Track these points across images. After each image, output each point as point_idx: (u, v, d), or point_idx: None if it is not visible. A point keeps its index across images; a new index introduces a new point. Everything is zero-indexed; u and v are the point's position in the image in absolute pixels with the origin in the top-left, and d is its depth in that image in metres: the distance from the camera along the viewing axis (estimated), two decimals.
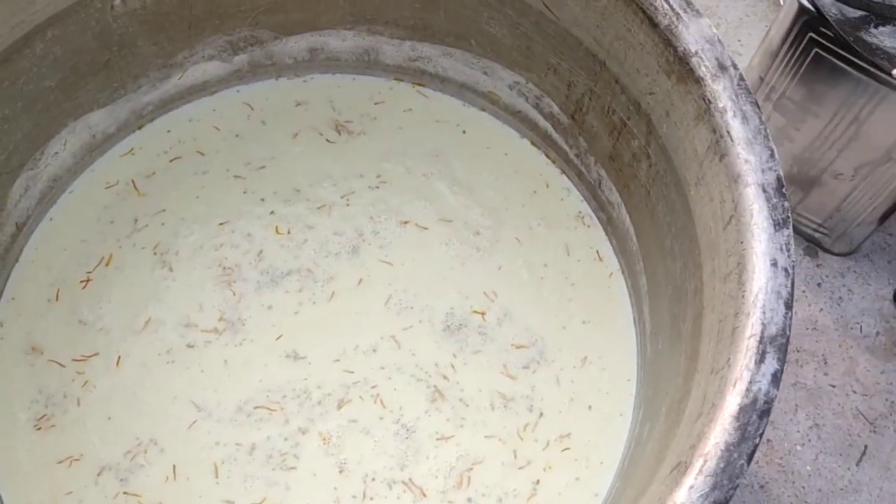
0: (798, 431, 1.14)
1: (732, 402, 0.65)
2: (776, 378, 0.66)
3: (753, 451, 0.62)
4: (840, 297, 1.24)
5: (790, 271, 0.70)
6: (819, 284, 1.25)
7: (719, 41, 0.81)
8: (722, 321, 0.74)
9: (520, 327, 1.04)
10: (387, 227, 1.10)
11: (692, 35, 0.82)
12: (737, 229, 0.75)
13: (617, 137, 1.01)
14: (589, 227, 1.13)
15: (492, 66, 1.12)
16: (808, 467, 1.11)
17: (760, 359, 0.66)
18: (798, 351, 1.19)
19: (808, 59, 1.05)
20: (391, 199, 1.11)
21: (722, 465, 0.62)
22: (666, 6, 0.83)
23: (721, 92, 0.79)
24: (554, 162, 1.16)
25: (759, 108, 0.78)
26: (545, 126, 1.13)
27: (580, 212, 1.14)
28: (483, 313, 1.05)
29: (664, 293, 0.94)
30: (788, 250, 0.71)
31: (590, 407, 1.00)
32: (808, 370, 1.18)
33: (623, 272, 1.09)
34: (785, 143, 1.16)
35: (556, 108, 1.09)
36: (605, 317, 1.06)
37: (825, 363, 1.19)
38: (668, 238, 0.93)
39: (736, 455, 0.62)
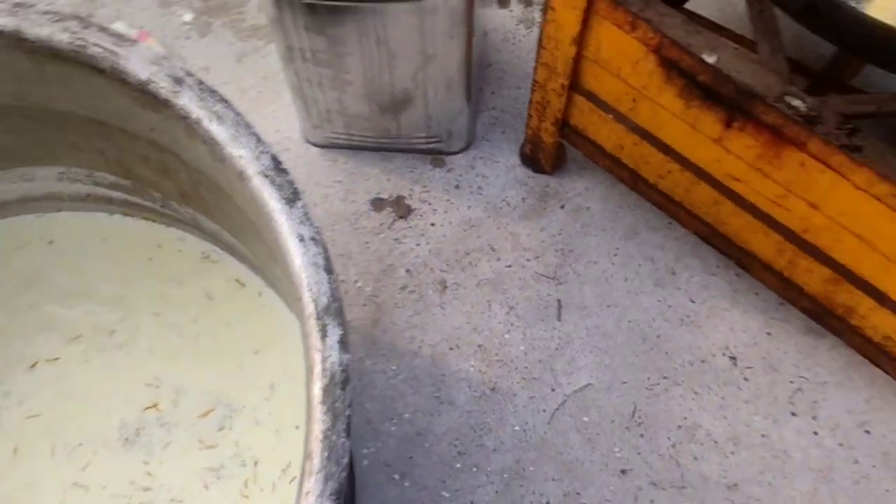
0: (500, 323, 1.19)
1: (316, 388, 0.65)
2: (343, 343, 0.66)
3: (349, 423, 0.63)
4: (479, 187, 1.30)
5: (318, 238, 0.71)
6: (457, 187, 1.30)
7: (165, 58, 0.79)
8: (300, 305, 0.74)
9: (198, 395, 1.00)
10: (16, 380, 1.00)
11: (137, 64, 0.78)
12: (267, 220, 0.74)
13: (171, 176, 0.97)
14: (218, 261, 1.09)
15: (26, 171, 1.04)
16: (522, 347, 1.17)
17: (323, 333, 0.66)
18: (467, 254, 1.24)
19: (304, 13, 1.06)
20: (4, 352, 1.01)
21: (326, 455, 0.62)
22: (99, 49, 0.79)
23: (188, 104, 0.77)
24: (154, 221, 1.11)
25: (228, 103, 0.77)
26: (119, 196, 1.07)
27: (203, 252, 1.10)
28: (156, 405, 0.99)
29: (287, 287, 0.94)
30: (309, 221, 0.71)
31: (297, 426, 0.98)
32: (482, 266, 1.23)
33: (268, 285, 1.07)
34: (347, 89, 1.18)
35: (111, 177, 1.03)
36: (270, 334, 1.04)
37: (493, 250, 1.25)
38: (258, 243, 0.92)
39: (334, 437, 0.62)
